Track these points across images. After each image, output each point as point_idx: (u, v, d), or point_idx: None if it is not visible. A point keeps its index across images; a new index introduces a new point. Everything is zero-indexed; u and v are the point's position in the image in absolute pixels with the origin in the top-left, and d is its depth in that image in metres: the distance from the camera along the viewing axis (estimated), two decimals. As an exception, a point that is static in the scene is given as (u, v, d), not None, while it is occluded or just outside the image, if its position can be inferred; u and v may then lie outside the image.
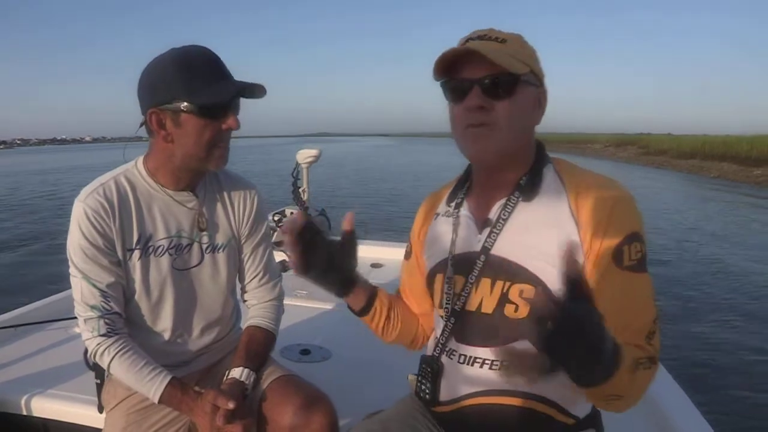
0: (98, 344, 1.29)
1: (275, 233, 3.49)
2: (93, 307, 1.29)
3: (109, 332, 1.29)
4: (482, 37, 1.01)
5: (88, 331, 1.30)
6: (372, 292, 1.24)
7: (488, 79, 0.97)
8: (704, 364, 4.75)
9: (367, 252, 3.57)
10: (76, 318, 1.34)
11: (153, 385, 1.28)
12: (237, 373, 1.35)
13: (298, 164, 3.86)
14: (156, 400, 1.28)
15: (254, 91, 1.28)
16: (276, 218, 3.70)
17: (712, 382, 4.37)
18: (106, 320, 1.29)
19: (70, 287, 1.33)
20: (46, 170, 35.81)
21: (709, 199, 16.55)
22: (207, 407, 1.24)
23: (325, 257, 1.07)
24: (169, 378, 1.30)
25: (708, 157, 28.95)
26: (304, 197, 3.87)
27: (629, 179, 21.64)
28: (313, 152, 3.89)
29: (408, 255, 1.31)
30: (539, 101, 1.04)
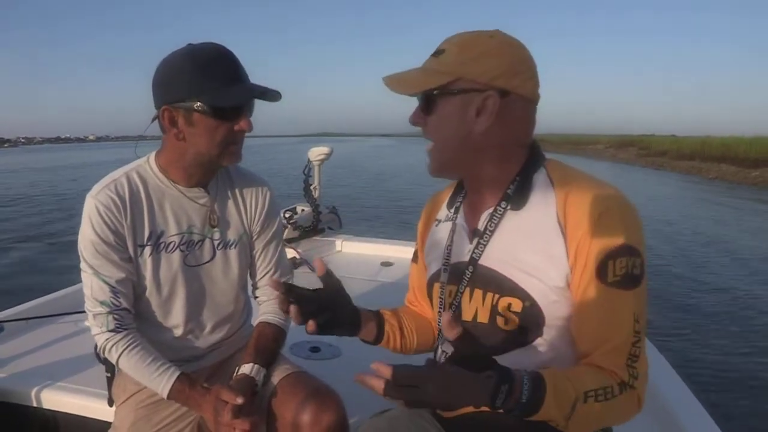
0: (107, 339, 1.30)
1: (286, 230, 3.55)
2: (102, 303, 1.29)
3: (117, 327, 1.30)
4: (436, 50, 1.03)
5: (97, 327, 1.31)
6: (379, 319, 1.25)
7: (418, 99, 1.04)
8: (712, 366, 4.75)
9: (377, 251, 3.60)
10: (86, 312, 1.35)
11: (161, 381, 1.29)
12: (247, 369, 1.35)
13: (309, 162, 3.88)
14: (165, 396, 1.29)
15: (269, 95, 1.28)
16: (287, 215, 3.70)
17: (722, 385, 4.35)
18: (115, 316, 1.30)
19: (81, 281, 1.33)
20: (56, 167, 36.31)
21: (703, 200, 16.70)
22: (215, 403, 1.24)
23: (318, 306, 1.09)
24: (177, 374, 1.30)
25: (707, 158, 28.95)
26: (316, 195, 3.89)
27: (627, 180, 21.78)
28: (325, 150, 3.89)
29: (415, 257, 1.31)
30: (482, 106, 0.97)
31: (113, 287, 1.29)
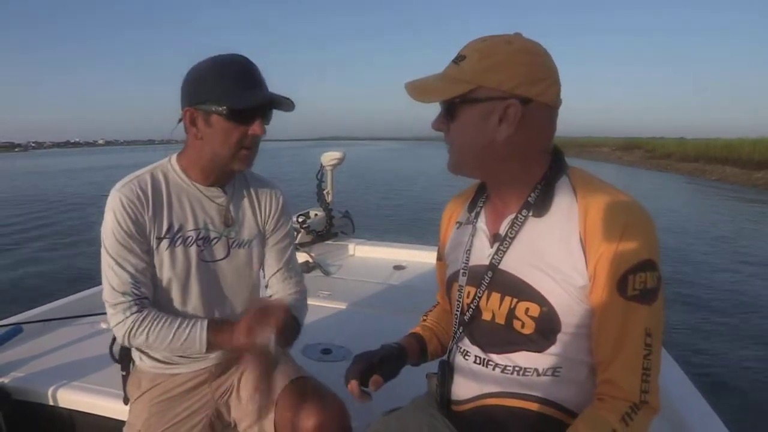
0: (133, 321, 1.31)
1: (299, 234, 3.61)
2: (124, 294, 1.32)
3: (140, 310, 1.32)
4: (457, 56, 1.03)
5: (119, 314, 1.32)
6: (421, 344, 1.31)
7: (441, 106, 1.05)
8: (719, 365, 4.81)
9: (390, 254, 3.60)
10: (103, 314, 1.36)
11: (195, 338, 1.31)
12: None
13: (322, 166, 3.92)
14: (205, 349, 1.32)
15: (282, 103, 1.35)
16: (300, 219, 3.74)
17: (731, 386, 4.39)
18: (137, 302, 1.33)
19: (97, 284, 1.36)
20: (74, 170, 37.21)
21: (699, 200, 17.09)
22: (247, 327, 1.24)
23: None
24: (205, 323, 1.33)
25: (711, 160, 29.05)
26: (329, 199, 3.91)
27: (631, 182, 21.89)
28: (338, 155, 3.93)
29: (440, 256, 1.31)
30: (504, 114, 0.97)
31: (135, 276, 1.33)
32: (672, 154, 35.56)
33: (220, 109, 1.28)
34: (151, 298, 1.37)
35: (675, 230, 11.64)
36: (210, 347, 1.33)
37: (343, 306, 2.61)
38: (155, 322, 1.32)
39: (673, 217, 13.47)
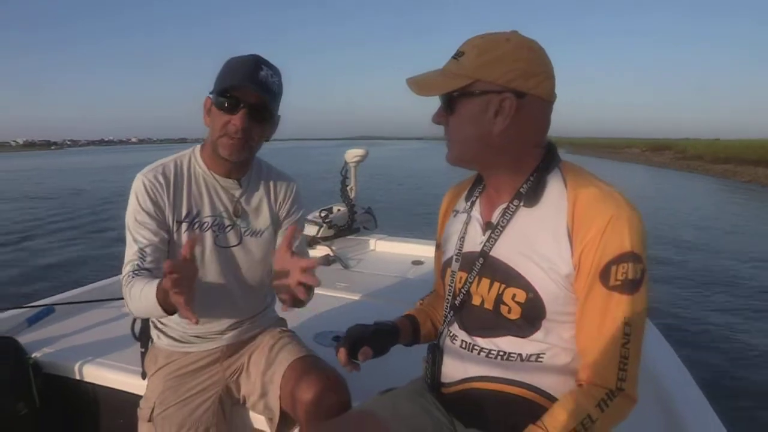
0: (123, 287, 1.35)
1: (321, 228, 3.64)
2: (131, 265, 1.38)
3: (132, 277, 1.35)
4: (456, 52, 1.06)
5: (123, 280, 1.37)
6: (414, 325, 1.35)
7: (440, 100, 1.09)
8: (722, 359, 4.82)
9: (409, 250, 3.62)
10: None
11: (152, 292, 1.24)
12: None
13: (346, 163, 3.94)
14: (156, 299, 1.22)
15: (261, 102, 1.37)
16: (323, 214, 3.77)
17: (728, 378, 4.41)
18: (135, 272, 1.36)
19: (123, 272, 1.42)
20: (103, 168, 38.30)
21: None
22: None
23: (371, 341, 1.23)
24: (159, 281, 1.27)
25: (743, 161, 28.52)
26: (352, 195, 3.94)
27: (656, 183, 21.62)
28: (361, 152, 3.95)
29: (438, 246, 1.36)
30: (499, 107, 1.00)
31: (143, 251, 1.39)
32: (703, 155, 34.91)
33: (212, 96, 1.40)
34: (154, 273, 1.39)
35: (698, 226, 11.72)
36: (165, 305, 1.23)
37: (357, 297, 2.64)
38: (133, 284, 1.31)
39: (698, 215, 13.52)
